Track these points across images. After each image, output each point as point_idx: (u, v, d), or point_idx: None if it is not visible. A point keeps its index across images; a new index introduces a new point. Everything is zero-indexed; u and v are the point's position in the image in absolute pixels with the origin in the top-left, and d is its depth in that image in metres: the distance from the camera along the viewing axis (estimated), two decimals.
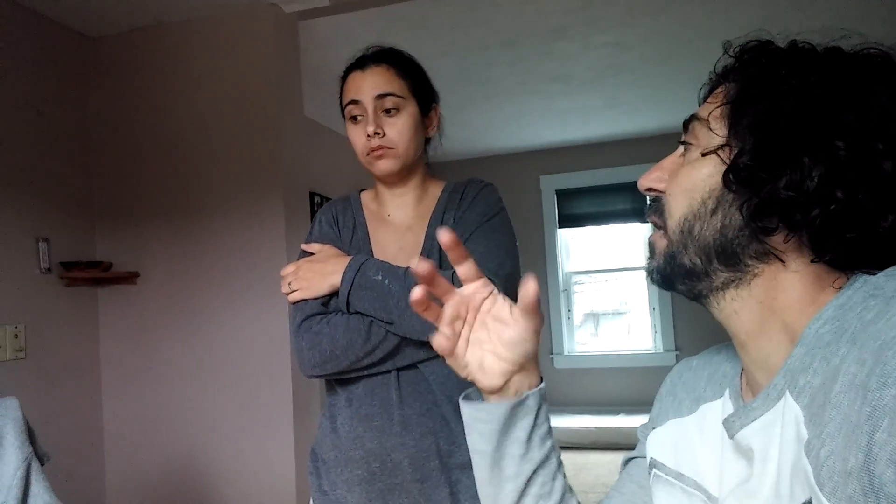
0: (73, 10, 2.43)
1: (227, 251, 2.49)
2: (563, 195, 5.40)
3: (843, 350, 0.47)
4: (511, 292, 1.08)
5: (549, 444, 0.71)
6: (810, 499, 0.46)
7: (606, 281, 5.45)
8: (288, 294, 1.15)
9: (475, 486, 1.08)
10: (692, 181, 0.59)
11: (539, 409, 0.69)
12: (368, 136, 1.15)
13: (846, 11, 2.95)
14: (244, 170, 2.49)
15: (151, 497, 2.53)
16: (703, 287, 0.60)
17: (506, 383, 0.66)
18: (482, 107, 4.09)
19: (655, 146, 5.10)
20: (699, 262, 0.59)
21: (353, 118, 1.18)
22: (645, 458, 0.75)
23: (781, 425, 0.52)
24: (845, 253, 0.53)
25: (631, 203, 5.24)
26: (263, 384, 2.42)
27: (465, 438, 1.08)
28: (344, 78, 1.22)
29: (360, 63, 1.20)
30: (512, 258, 1.13)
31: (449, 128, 1.30)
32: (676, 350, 5.05)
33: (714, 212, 0.57)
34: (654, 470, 0.71)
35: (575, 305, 5.47)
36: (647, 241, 0.66)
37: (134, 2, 2.40)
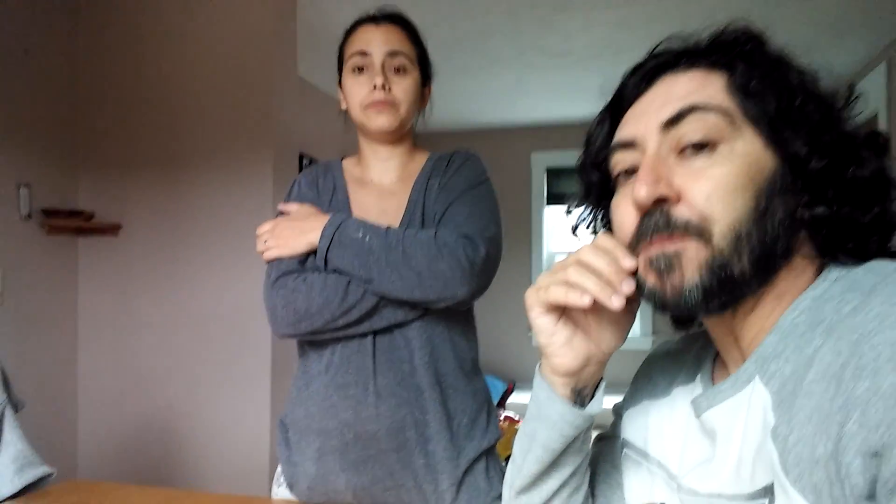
0: None
1: (212, 208, 2.47)
2: (554, 173, 5.39)
3: (817, 340, 0.47)
4: (493, 255, 1.08)
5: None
6: (772, 483, 0.47)
7: None
8: (263, 252, 1.14)
9: (448, 454, 1.10)
10: (736, 178, 0.53)
11: None
12: (375, 87, 1.13)
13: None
14: (234, 126, 2.45)
15: (123, 451, 2.54)
16: (738, 300, 0.55)
17: (581, 369, 0.64)
18: (477, 76, 4.04)
19: None
20: (749, 271, 0.53)
21: (359, 69, 1.16)
22: (618, 437, 0.75)
23: (748, 409, 0.52)
24: (848, 244, 0.54)
25: None
26: (242, 345, 2.42)
27: (437, 407, 1.09)
28: (350, 31, 1.20)
29: (373, 18, 1.19)
30: (495, 223, 1.13)
31: (441, 96, 1.28)
32: (653, 334, 5.11)
33: (766, 212, 0.53)
34: (625, 449, 0.72)
35: None
36: (658, 258, 0.55)
37: None
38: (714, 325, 0.60)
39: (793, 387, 0.47)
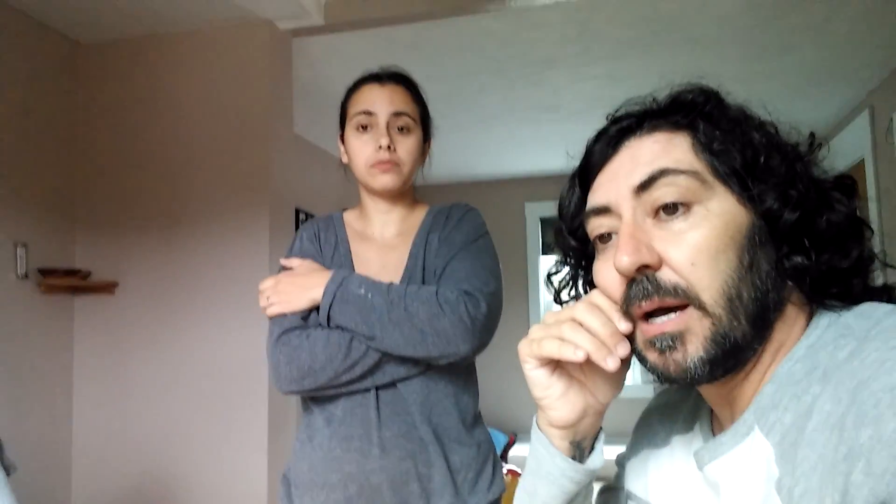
0: (67, 16, 2.43)
1: (208, 265, 2.47)
2: (548, 223, 5.43)
3: (814, 388, 0.47)
4: (494, 311, 1.09)
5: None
6: None
7: None
8: (266, 308, 1.14)
9: None
10: (717, 240, 0.52)
11: None
12: (380, 147, 1.15)
13: (821, 59, 3.04)
14: (231, 183, 2.48)
15: None
16: (737, 362, 0.53)
17: (577, 421, 0.62)
18: (471, 131, 4.13)
19: None
20: (749, 333, 0.52)
21: (363, 127, 1.18)
22: (622, 489, 0.74)
23: (748, 461, 0.51)
24: (833, 290, 0.54)
25: None
26: (239, 402, 2.39)
27: (440, 461, 1.08)
28: (354, 89, 1.23)
29: (378, 77, 1.21)
30: (496, 278, 1.14)
31: (437, 150, 1.31)
32: (653, 382, 5.05)
33: (751, 268, 0.52)
34: (630, 502, 0.71)
35: None
36: (660, 339, 0.54)
37: (127, 10, 2.40)
38: (707, 389, 0.59)
39: (794, 437, 0.46)
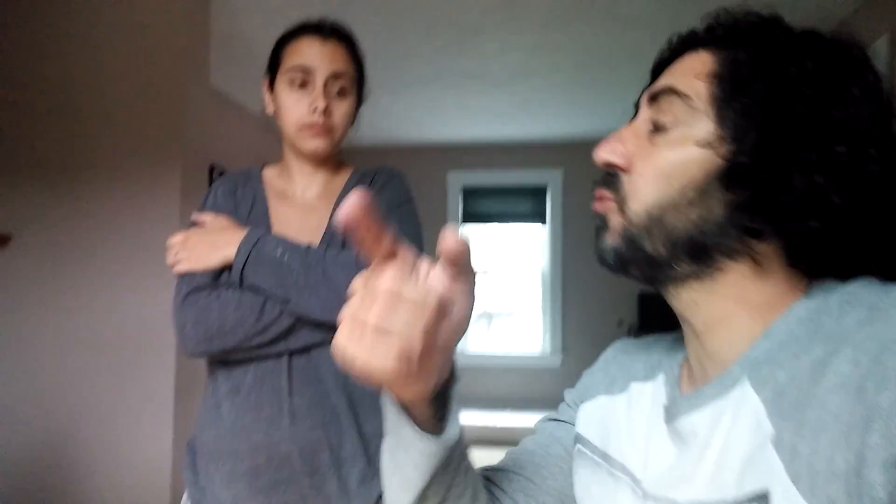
0: None
1: (114, 219, 2.33)
2: (469, 192, 5.47)
3: (816, 349, 0.47)
4: None
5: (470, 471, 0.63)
6: (766, 490, 0.46)
7: (502, 281, 5.57)
8: (173, 265, 1.08)
9: (363, 478, 1.07)
10: (671, 165, 0.54)
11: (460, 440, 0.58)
12: (315, 109, 1.09)
13: None
14: (141, 135, 2.33)
15: (13, 480, 2.33)
16: (662, 276, 0.57)
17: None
18: (396, 95, 4.06)
19: (561, 152, 5.28)
20: (663, 252, 0.55)
21: (297, 83, 1.11)
22: (568, 423, 0.72)
23: (734, 414, 0.50)
24: (821, 260, 0.52)
25: (532, 205, 5.39)
26: (144, 365, 2.28)
27: (352, 430, 1.07)
28: (291, 38, 1.15)
29: (319, 30, 1.13)
30: (418, 246, 1.12)
31: (362, 113, 1.27)
32: (563, 352, 5.25)
33: (692, 203, 0.53)
34: (579, 445, 0.69)
35: None
36: (594, 210, 0.60)
37: None
38: (685, 328, 0.60)
39: (795, 396, 0.46)
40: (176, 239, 1.09)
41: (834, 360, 0.45)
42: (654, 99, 0.58)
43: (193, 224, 1.13)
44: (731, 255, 0.53)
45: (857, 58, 0.53)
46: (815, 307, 0.50)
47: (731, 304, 0.54)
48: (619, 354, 0.74)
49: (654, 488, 0.57)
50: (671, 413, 0.58)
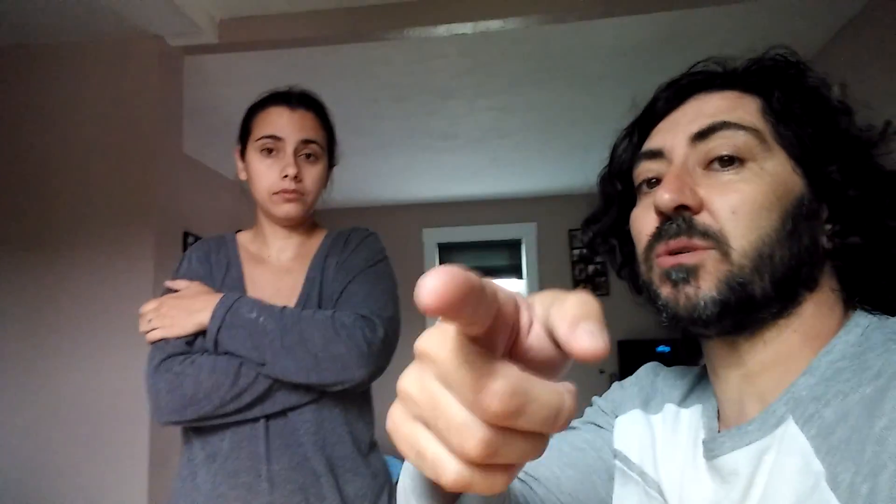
0: None
1: (85, 288, 2.30)
2: (445, 248, 5.51)
3: (865, 388, 0.45)
4: (392, 336, 1.08)
5: None
6: None
7: None
8: (147, 333, 1.07)
9: None
10: (766, 197, 0.51)
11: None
12: (286, 176, 1.11)
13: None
14: (114, 203, 2.33)
15: None
16: (752, 321, 0.53)
17: None
18: (369, 157, 4.13)
19: (533, 206, 5.37)
20: (771, 293, 0.51)
21: (268, 151, 1.13)
22: (605, 429, 0.70)
23: (777, 453, 0.49)
24: (870, 282, 0.52)
25: (508, 259, 5.45)
26: (118, 437, 2.22)
27: (333, 493, 1.05)
28: (260, 107, 1.18)
29: (287, 99, 1.16)
30: (394, 303, 1.13)
31: (336, 175, 1.30)
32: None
33: (791, 234, 0.51)
34: (618, 461, 0.66)
35: None
36: (676, 264, 0.53)
37: (5, 16, 2.22)
38: (720, 355, 0.56)
39: (848, 434, 0.44)
40: (149, 306, 1.09)
41: (887, 397, 0.43)
42: (702, 136, 0.55)
43: (167, 291, 1.13)
44: (808, 284, 0.52)
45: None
46: (859, 342, 0.49)
47: (799, 340, 0.52)
48: (651, 375, 0.71)
49: None
50: (710, 449, 0.55)
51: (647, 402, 0.67)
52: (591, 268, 5.31)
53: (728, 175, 0.53)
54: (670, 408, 0.64)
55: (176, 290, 1.11)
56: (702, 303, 0.52)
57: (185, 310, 1.05)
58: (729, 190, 0.52)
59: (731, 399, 0.56)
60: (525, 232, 5.41)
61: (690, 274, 0.53)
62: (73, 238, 2.33)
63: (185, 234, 3.49)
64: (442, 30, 2.34)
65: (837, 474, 0.44)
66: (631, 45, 2.69)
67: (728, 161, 0.53)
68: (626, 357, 5.04)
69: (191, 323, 1.04)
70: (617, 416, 0.69)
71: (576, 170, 4.64)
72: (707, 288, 0.52)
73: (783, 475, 0.47)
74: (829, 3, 2.41)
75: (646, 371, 0.72)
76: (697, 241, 0.52)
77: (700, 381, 0.65)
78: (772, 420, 0.50)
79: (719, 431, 0.57)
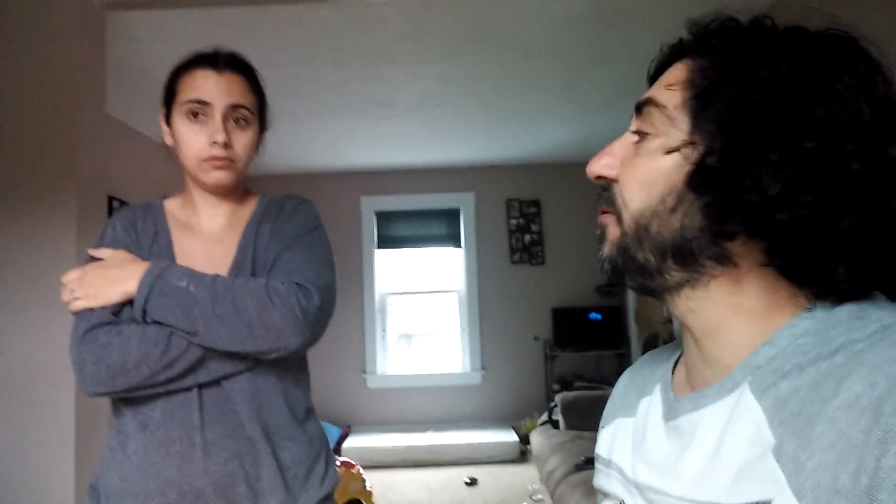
0: None
1: (3, 254, 2.18)
2: (383, 217, 5.49)
3: (822, 364, 0.47)
4: (327, 304, 1.08)
5: None
6: (769, 501, 0.46)
7: (419, 302, 5.60)
8: (70, 303, 1.03)
9: None
10: (651, 174, 0.55)
11: None
12: (214, 142, 1.07)
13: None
14: (33, 165, 2.20)
15: None
16: (655, 284, 0.58)
17: None
18: (306, 122, 4.04)
19: (472, 176, 5.40)
20: (653, 260, 0.56)
21: (195, 115, 1.08)
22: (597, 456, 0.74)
23: (730, 417, 0.51)
24: (801, 260, 0.51)
25: (446, 228, 5.48)
26: (40, 408, 2.14)
27: (269, 459, 1.05)
28: (185, 70, 1.12)
29: (213, 62, 1.10)
30: (329, 270, 1.12)
31: (270, 140, 1.27)
32: (483, 369, 5.32)
33: (673, 210, 0.54)
34: (597, 463, 0.71)
35: (389, 326, 5.54)
36: (598, 224, 0.62)
37: None
38: (685, 333, 0.61)
39: (800, 408, 0.46)
40: (72, 275, 1.04)
41: (847, 378, 0.44)
42: (638, 110, 0.59)
43: (91, 259, 1.09)
44: (720, 260, 0.53)
45: (845, 51, 0.51)
46: (823, 319, 0.50)
47: (727, 312, 0.55)
48: (632, 376, 0.75)
49: (643, 478, 0.59)
50: (672, 409, 0.59)
51: (628, 407, 0.70)
52: (527, 237, 5.40)
53: (639, 149, 0.58)
54: (642, 402, 0.67)
55: (100, 259, 1.07)
56: (605, 261, 0.61)
57: (111, 279, 1.02)
58: (630, 164, 0.58)
59: (692, 363, 0.60)
60: (463, 201, 5.44)
61: (602, 235, 0.61)
62: None
63: (111, 199, 3.35)
64: None
65: (784, 444, 0.46)
66: (568, 17, 2.72)
67: (642, 135, 0.58)
68: (559, 324, 5.20)
69: (116, 292, 1.01)
70: (601, 430, 0.74)
71: (514, 140, 4.68)
72: (608, 249, 0.60)
73: (735, 440, 0.50)
74: None
75: (626, 375, 0.76)
76: (605, 207, 0.60)
77: (668, 357, 0.69)
78: (729, 385, 0.53)
79: (680, 395, 0.61)
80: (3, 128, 2.21)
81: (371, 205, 5.46)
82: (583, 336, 5.14)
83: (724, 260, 0.53)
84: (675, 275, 0.56)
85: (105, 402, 1.10)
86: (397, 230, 5.52)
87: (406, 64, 3.17)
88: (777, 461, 0.46)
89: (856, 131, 0.48)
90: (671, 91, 0.56)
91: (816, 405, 0.45)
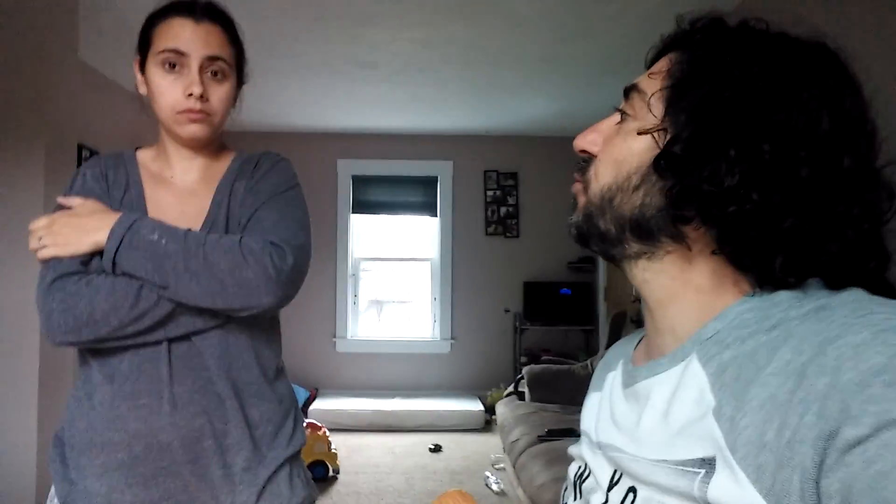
0: None
1: None
2: (359, 181, 5.44)
3: (761, 336, 0.52)
4: (301, 264, 1.07)
5: None
6: (713, 456, 0.50)
7: (392, 269, 5.60)
8: (37, 250, 1.01)
9: (249, 464, 1.06)
10: (623, 153, 0.61)
11: None
12: (190, 95, 1.04)
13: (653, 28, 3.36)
14: (1, 109, 2.13)
15: None
16: (615, 252, 0.63)
17: None
18: (285, 80, 3.97)
19: (451, 145, 5.36)
20: (613, 230, 0.62)
21: (171, 65, 1.05)
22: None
23: (679, 383, 0.57)
24: (746, 250, 0.55)
25: (423, 196, 5.46)
26: (3, 355, 2.11)
27: (238, 416, 1.05)
28: (161, 17, 1.08)
29: (191, 10, 1.07)
30: (305, 231, 1.11)
31: (248, 96, 1.24)
32: (452, 339, 5.37)
33: (637, 188, 0.59)
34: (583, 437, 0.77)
35: (361, 292, 5.54)
36: (571, 192, 0.67)
37: None
38: (642, 304, 0.67)
39: (738, 374, 0.51)
40: (40, 223, 1.02)
41: (780, 348, 0.49)
42: (625, 94, 0.64)
43: (59, 207, 1.06)
44: (675, 238, 0.58)
45: (821, 63, 0.55)
46: (766, 298, 0.55)
47: (677, 285, 0.60)
48: (604, 359, 0.81)
49: (604, 437, 0.66)
50: (631, 376, 0.65)
51: (601, 382, 0.76)
52: (503, 210, 5.42)
53: (619, 129, 0.63)
54: (609, 376, 0.74)
55: (69, 208, 1.05)
56: (572, 225, 0.67)
57: (80, 228, 0.99)
58: (610, 142, 0.64)
59: (649, 335, 0.67)
60: (441, 170, 5.42)
61: (575, 200, 0.67)
62: None
63: (80, 148, 3.26)
64: None
65: (722, 406, 0.51)
66: None
67: (623, 116, 0.63)
68: (530, 297, 5.25)
69: (86, 242, 0.99)
70: (584, 407, 0.80)
71: (494, 111, 4.65)
72: (575, 215, 0.66)
73: (682, 402, 0.55)
74: None
75: (607, 354, 0.82)
76: (577, 175, 0.66)
77: (635, 336, 0.76)
78: (680, 355, 0.59)
79: (638, 365, 0.67)
80: None
81: (348, 168, 5.41)
82: (552, 310, 5.21)
83: (679, 239, 0.58)
84: (633, 245, 0.61)
85: (71, 352, 1.09)
86: (373, 195, 5.48)
87: (388, 26, 3.12)
88: (717, 421, 0.51)
89: (812, 140, 0.53)
90: (653, 79, 0.61)
91: (752, 371, 0.50)
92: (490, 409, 4.77)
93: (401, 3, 2.85)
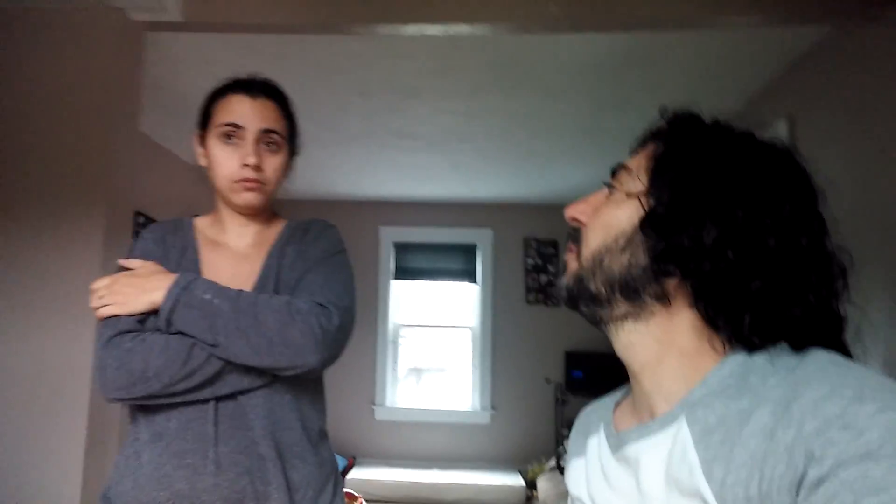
0: None
1: (30, 262, 2.22)
2: (401, 248, 5.52)
3: (744, 402, 0.57)
4: (347, 325, 1.09)
5: None
6: None
7: (432, 336, 5.57)
8: (98, 309, 1.05)
9: None
10: (611, 219, 0.68)
11: None
12: (246, 165, 1.11)
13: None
14: (63, 178, 2.26)
15: None
16: (604, 314, 0.68)
17: None
18: (330, 150, 4.11)
19: (491, 213, 5.43)
20: (603, 291, 0.67)
21: (228, 136, 1.13)
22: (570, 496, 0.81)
23: (672, 444, 0.60)
24: (719, 306, 0.62)
25: (463, 263, 5.49)
26: (54, 413, 2.15)
27: (279, 478, 1.05)
28: (221, 95, 1.17)
29: (248, 88, 1.16)
30: (350, 294, 1.14)
31: (296, 165, 1.30)
32: (492, 409, 5.26)
33: (623, 249, 0.66)
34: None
35: (400, 358, 5.52)
36: (561, 259, 0.73)
37: None
38: (628, 370, 0.71)
39: (724, 436, 0.56)
40: (102, 283, 1.07)
41: (756, 411, 0.55)
42: (612, 173, 0.72)
43: (121, 269, 1.11)
44: (659, 298, 0.64)
45: (778, 158, 0.65)
46: (744, 362, 0.60)
47: (662, 348, 0.65)
48: (583, 417, 0.86)
49: (603, 502, 0.69)
50: (621, 440, 0.68)
51: (581, 447, 0.80)
52: (543, 277, 5.40)
53: (607, 200, 0.71)
54: (590, 441, 0.77)
55: (130, 269, 1.10)
56: (562, 289, 0.72)
57: (139, 288, 1.04)
58: (599, 211, 0.70)
59: (637, 398, 0.70)
60: (481, 237, 5.46)
61: (564, 267, 0.73)
62: (19, 210, 2.25)
63: (137, 214, 3.41)
64: (412, 29, 2.36)
65: (712, 468, 0.55)
66: (594, 61, 2.76)
67: (611, 189, 0.71)
68: (572, 367, 5.15)
69: (144, 301, 1.03)
70: (567, 469, 0.83)
71: (533, 180, 4.71)
72: (566, 279, 0.71)
73: (679, 463, 0.59)
74: (783, 34, 2.52)
75: (582, 416, 0.87)
76: (571, 244, 0.73)
77: (612, 398, 0.80)
78: (670, 419, 0.62)
79: (624, 429, 0.70)
80: (38, 138, 2.27)
81: (389, 235, 5.50)
82: (594, 381, 5.08)
83: (662, 298, 0.64)
84: (621, 306, 0.66)
85: (117, 412, 1.11)
86: (414, 262, 5.54)
87: (430, 99, 3.23)
88: (707, 481, 0.55)
89: (776, 218, 0.61)
90: (640, 161, 0.69)
91: (735, 433, 0.55)
92: (531, 485, 4.61)
93: (443, 78, 2.97)
